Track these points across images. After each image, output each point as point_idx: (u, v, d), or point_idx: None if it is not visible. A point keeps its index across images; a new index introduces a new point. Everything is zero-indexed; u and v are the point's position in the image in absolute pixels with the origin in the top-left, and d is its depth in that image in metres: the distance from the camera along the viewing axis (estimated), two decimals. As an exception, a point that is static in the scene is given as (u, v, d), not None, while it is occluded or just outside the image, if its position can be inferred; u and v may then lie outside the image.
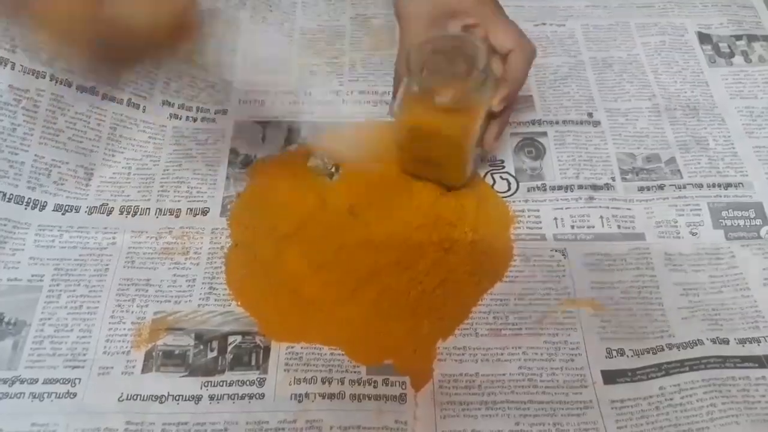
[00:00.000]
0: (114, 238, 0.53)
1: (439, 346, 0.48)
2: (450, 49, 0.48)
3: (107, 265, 0.51)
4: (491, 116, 0.50)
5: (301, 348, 0.48)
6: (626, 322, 0.49)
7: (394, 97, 0.54)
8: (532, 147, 0.59)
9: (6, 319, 0.48)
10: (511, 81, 0.49)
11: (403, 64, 0.50)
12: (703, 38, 0.67)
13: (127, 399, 0.45)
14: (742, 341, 0.48)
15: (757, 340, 0.48)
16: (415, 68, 0.47)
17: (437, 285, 0.50)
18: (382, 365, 0.47)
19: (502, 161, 0.58)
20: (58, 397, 0.45)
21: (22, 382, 0.45)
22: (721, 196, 0.55)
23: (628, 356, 0.47)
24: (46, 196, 0.53)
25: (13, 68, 0.52)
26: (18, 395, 0.45)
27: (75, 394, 0.45)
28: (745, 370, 0.46)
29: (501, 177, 0.57)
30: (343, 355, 0.47)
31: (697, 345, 0.47)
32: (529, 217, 0.55)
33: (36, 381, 0.45)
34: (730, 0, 0.70)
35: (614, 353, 0.47)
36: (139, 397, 0.45)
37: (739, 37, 0.67)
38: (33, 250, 0.51)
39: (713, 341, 0.48)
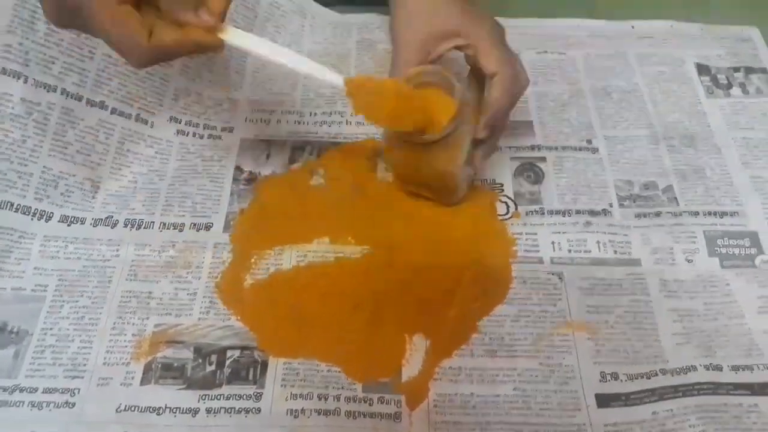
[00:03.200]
0: (118, 250, 0.53)
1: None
2: (427, 84, 0.50)
3: (110, 277, 0.52)
4: (478, 141, 0.51)
5: (299, 364, 0.48)
6: (621, 346, 0.49)
7: None
8: (531, 171, 0.60)
9: (9, 328, 0.49)
10: (493, 106, 0.50)
11: None
12: (702, 69, 0.69)
13: (125, 410, 0.45)
14: (736, 368, 0.48)
15: (750, 368, 0.48)
16: None
17: (442, 306, 0.51)
18: (378, 383, 0.47)
19: (502, 184, 0.59)
20: (57, 407, 0.45)
21: (21, 390, 0.46)
22: (716, 225, 0.56)
23: (621, 380, 0.47)
24: (52, 207, 0.54)
25: (25, 81, 0.53)
26: (17, 404, 0.45)
27: (74, 404, 0.46)
28: (738, 397, 0.47)
29: (500, 200, 0.58)
30: (339, 371, 0.48)
31: (690, 371, 0.48)
32: (526, 240, 0.55)
33: (36, 390, 0.46)
34: (729, 33, 0.72)
35: (608, 377, 0.48)
36: (137, 408, 0.46)
37: (737, 69, 0.68)
38: (38, 260, 0.52)
39: (707, 368, 0.48)
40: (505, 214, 0.57)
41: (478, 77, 0.53)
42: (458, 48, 0.51)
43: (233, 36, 0.43)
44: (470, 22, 0.51)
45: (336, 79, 0.47)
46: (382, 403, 0.46)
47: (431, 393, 0.47)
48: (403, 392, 0.47)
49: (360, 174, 0.59)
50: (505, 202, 0.58)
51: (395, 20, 0.53)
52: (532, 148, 0.62)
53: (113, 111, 0.58)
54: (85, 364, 0.47)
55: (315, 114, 0.65)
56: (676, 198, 0.58)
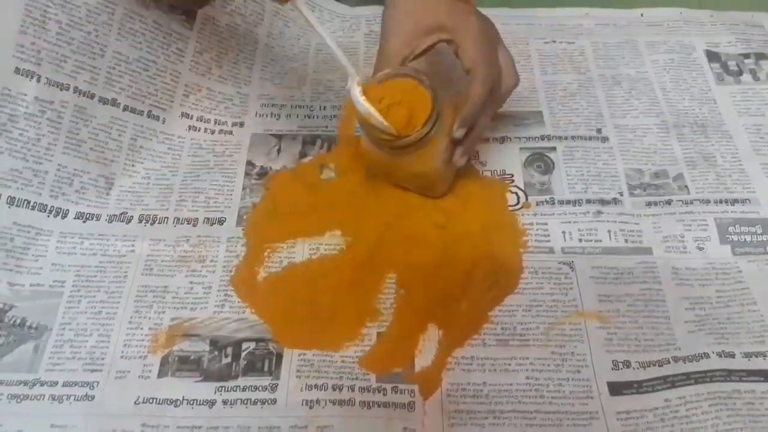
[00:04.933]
0: (133, 245, 0.54)
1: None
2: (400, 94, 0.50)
3: (126, 272, 0.53)
4: (456, 142, 0.51)
5: (313, 355, 0.49)
6: (632, 334, 0.49)
7: None
8: (542, 162, 0.60)
9: (28, 323, 0.49)
10: (467, 103, 0.49)
11: None
12: (712, 56, 0.68)
13: (143, 402, 0.46)
14: (748, 355, 0.48)
15: (763, 354, 0.48)
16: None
17: (453, 297, 0.51)
18: (391, 373, 0.48)
19: (512, 175, 0.59)
20: (77, 400, 0.46)
21: (42, 384, 0.47)
22: (728, 212, 0.56)
23: (634, 368, 0.48)
24: (68, 204, 0.55)
25: (38, 80, 0.53)
26: (38, 397, 0.46)
27: (93, 397, 0.46)
28: (750, 383, 0.47)
29: (510, 191, 0.58)
30: (353, 362, 0.48)
31: (703, 358, 0.48)
32: (537, 230, 0.55)
33: (56, 383, 0.47)
34: (739, 19, 0.72)
35: (620, 365, 0.48)
36: (154, 400, 0.46)
37: (747, 56, 0.68)
38: (55, 256, 0.53)
39: (719, 355, 0.48)
40: (515, 205, 0.57)
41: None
42: (443, 41, 0.51)
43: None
44: (456, 18, 0.51)
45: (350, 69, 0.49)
46: (395, 392, 0.47)
47: (444, 382, 0.47)
48: (417, 382, 0.47)
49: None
50: (516, 193, 0.58)
51: (385, 13, 0.54)
52: (542, 138, 0.62)
53: (125, 108, 0.59)
54: (103, 358, 0.48)
55: (325, 108, 0.65)
56: (686, 186, 0.58)
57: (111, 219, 0.56)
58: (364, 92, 0.49)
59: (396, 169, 0.53)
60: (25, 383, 0.47)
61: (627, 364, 0.48)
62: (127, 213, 0.56)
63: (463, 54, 0.50)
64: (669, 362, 0.48)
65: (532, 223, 0.56)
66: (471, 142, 0.53)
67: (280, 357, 0.48)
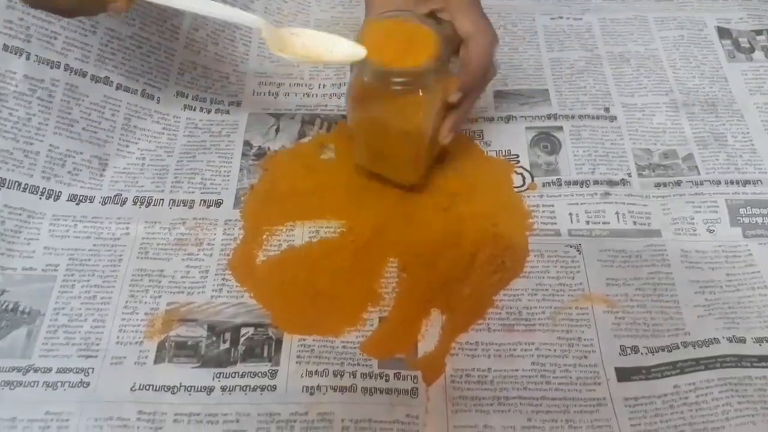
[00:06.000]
0: (127, 228, 0.53)
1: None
2: (403, 32, 0.47)
3: (121, 255, 0.51)
4: (448, 107, 0.49)
5: (313, 340, 0.47)
6: (641, 319, 0.48)
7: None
8: (548, 142, 0.59)
9: (21, 308, 0.48)
10: (469, 68, 0.48)
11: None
12: (723, 33, 0.67)
13: (139, 389, 0.45)
14: (759, 340, 0.47)
15: (775, 340, 0.47)
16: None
17: (458, 281, 0.50)
18: (393, 359, 0.47)
19: (517, 155, 0.58)
20: (72, 386, 0.45)
21: (36, 370, 0.46)
22: (739, 193, 0.55)
23: (642, 354, 0.47)
24: (60, 186, 0.54)
25: (28, 58, 0.52)
26: (32, 384, 0.45)
27: (88, 384, 0.45)
28: (761, 369, 0.46)
29: (516, 172, 0.57)
30: (355, 348, 0.47)
31: (713, 343, 0.47)
32: (543, 212, 0.54)
33: (50, 370, 0.46)
34: (751, -6, 0.70)
35: (628, 350, 0.47)
36: (151, 387, 0.45)
37: (759, 32, 0.66)
38: (48, 239, 0.52)
39: (729, 340, 0.47)
40: (521, 186, 0.56)
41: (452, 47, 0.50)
42: (434, 12, 0.50)
43: None
44: None
45: (252, 20, 0.44)
46: (398, 378, 0.46)
47: (448, 368, 0.46)
48: (420, 368, 0.46)
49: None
50: (521, 174, 0.57)
51: None
52: (549, 117, 0.60)
53: (118, 87, 0.57)
54: (98, 344, 0.47)
55: (324, 86, 0.63)
56: (696, 166, 0.57)
57: (105, 201, 0.54)
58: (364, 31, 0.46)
59: (384, 125, 0.48)
60: (19, 369, 0.46)
61: (635, 349, 0.47)
62: (121, 195, 0.55)
63: (460, 21, 0.48)
64: (678, 347, 0.47)
65: (538, 205, 0.54)
66: (460, 116, 0.50)
67: (279, 342, 0.47)
